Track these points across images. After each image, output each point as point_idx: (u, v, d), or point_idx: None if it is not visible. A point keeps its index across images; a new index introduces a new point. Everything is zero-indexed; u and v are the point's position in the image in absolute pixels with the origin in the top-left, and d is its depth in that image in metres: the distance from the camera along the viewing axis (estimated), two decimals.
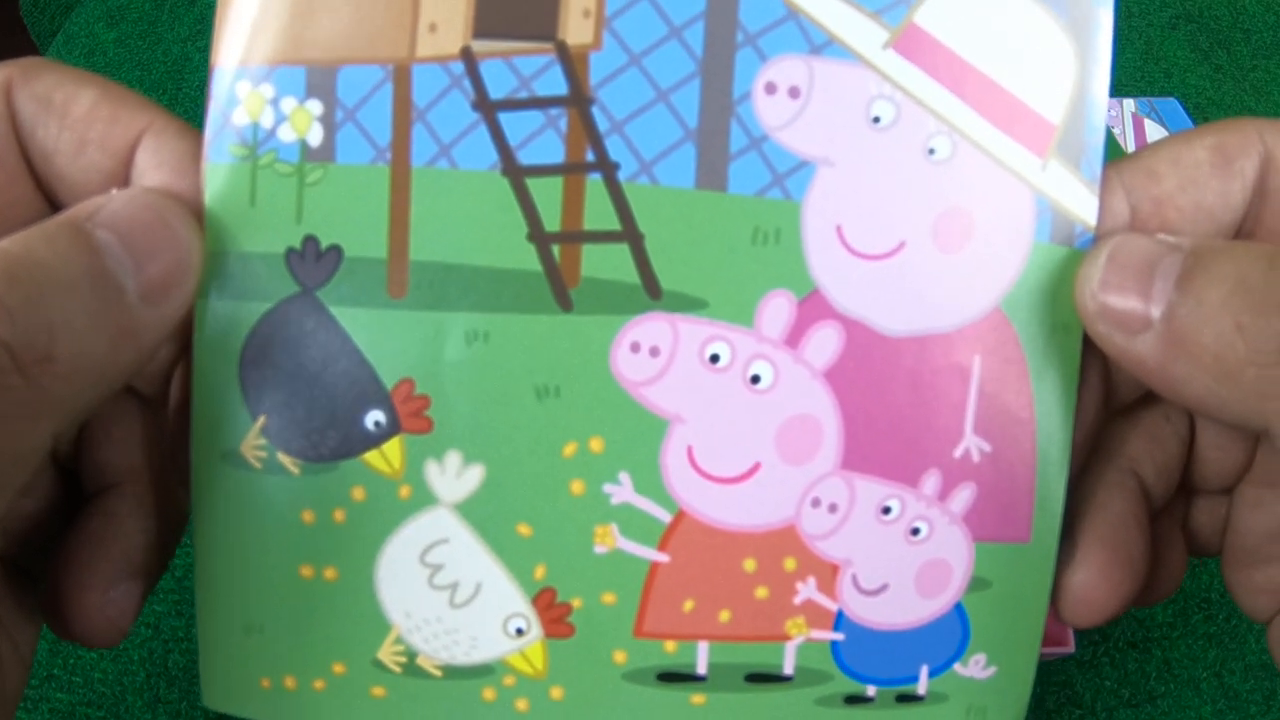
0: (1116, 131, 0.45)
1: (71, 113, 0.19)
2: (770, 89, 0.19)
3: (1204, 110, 0.48)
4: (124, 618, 0.19)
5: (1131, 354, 0.18)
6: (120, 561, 0.19)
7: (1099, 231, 0.20)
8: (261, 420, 0.20)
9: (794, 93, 0.19)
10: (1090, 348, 0.20)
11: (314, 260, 0.20)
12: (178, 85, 0.50)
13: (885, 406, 0.20)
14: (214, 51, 0.20)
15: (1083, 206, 0.20)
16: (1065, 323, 0.20)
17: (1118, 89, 0.49)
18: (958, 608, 0.21)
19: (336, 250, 0.20)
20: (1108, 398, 0.21)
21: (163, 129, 0.20)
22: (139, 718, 0.32)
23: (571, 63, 0.19)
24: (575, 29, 0.19)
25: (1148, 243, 0.18)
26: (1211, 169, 0.19)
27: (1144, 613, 0.33)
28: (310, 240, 0.20)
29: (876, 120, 0.19)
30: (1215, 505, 0.22)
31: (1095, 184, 0.20)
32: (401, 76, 0.19)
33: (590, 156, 0.20)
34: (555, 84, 0.19)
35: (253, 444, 0.20)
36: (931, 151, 0.20)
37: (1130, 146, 0.44)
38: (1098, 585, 0.20)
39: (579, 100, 0.19)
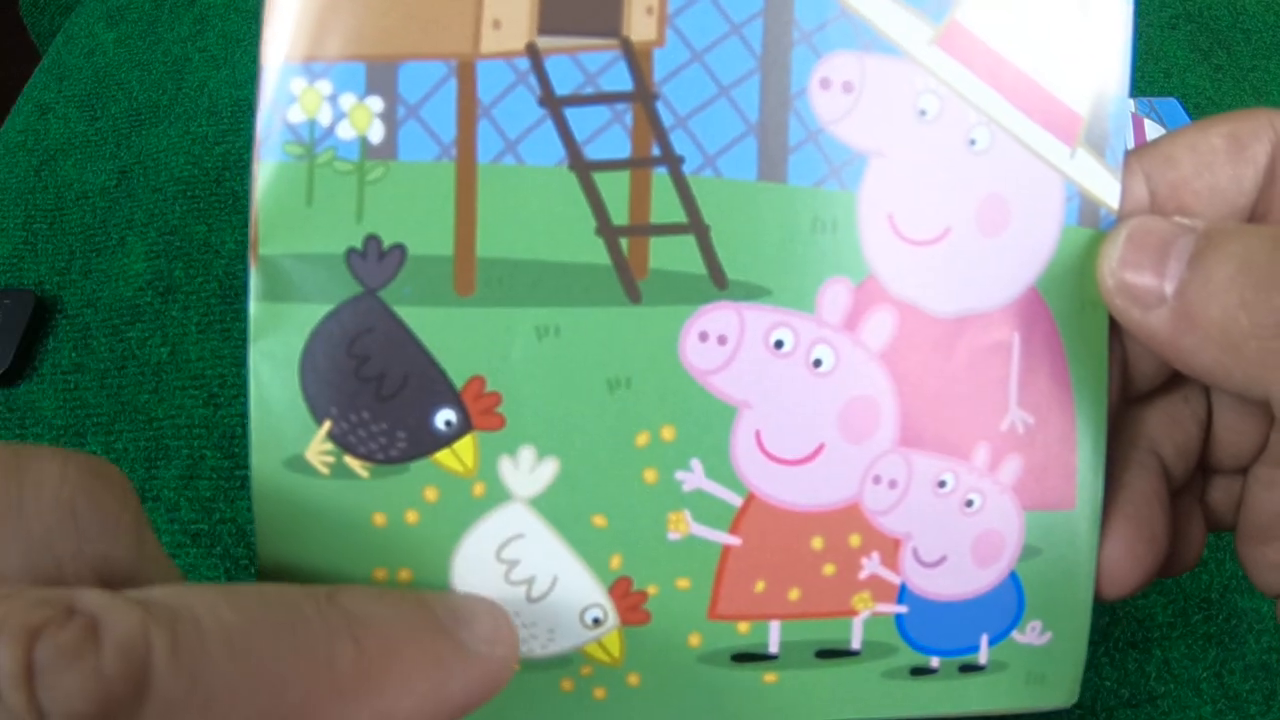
0: None
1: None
2: (825, 84, 0.17)
3: (1204, 110, 0.44)
4: None
5: (1146, 327, 0.17)
6: None
7: (1120, 214, 0.18)
8: (327, 425, 0.16)
9: (847, 87, 0.17)
10: (1109, 339, 0.18)
11: (376, 260, 0.17)
12: (178, 85, 0.44)
13: (936, 384, 0.18)
14: (264, 46, 0.16)
15: (1107, 191, 0.18)
16: (1094, 300, 0.18)
17: (1131, 92, 0.44)
18: (1012, 576, 0.18)
19: (400, 249, 0.16)
20: (1126, 385, 0.19)
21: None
22: None
23: (636, 59, 0.17)
24: (639, 26, 0.17)
25: (1164, 224, 0.17)
26: (1226, 155, 0.18)
27: (1144, 613, 0.30)
28: (372, 239, 0.16)
29: (923, 113, 0.17)
30: (1231, 484, 0.20)
31: (1118, 170, 0.18)
32: (466, 72, 0.16)
33: (656, 151, 0.17)
34: (620, 80, 0.17)
35: (319, 450, 0.17)
36: (973, 142, 0.17)
37: (1130, 146, 0.40)
38: (1123, 559, 0.18)
39: (644, 95, 0.17)
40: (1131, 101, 0.43)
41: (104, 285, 0.38)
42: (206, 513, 0.33)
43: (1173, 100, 0.43)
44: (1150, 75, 0.46)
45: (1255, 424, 0.19)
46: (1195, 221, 0.17)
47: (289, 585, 0.12)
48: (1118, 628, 0.30)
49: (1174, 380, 0.19)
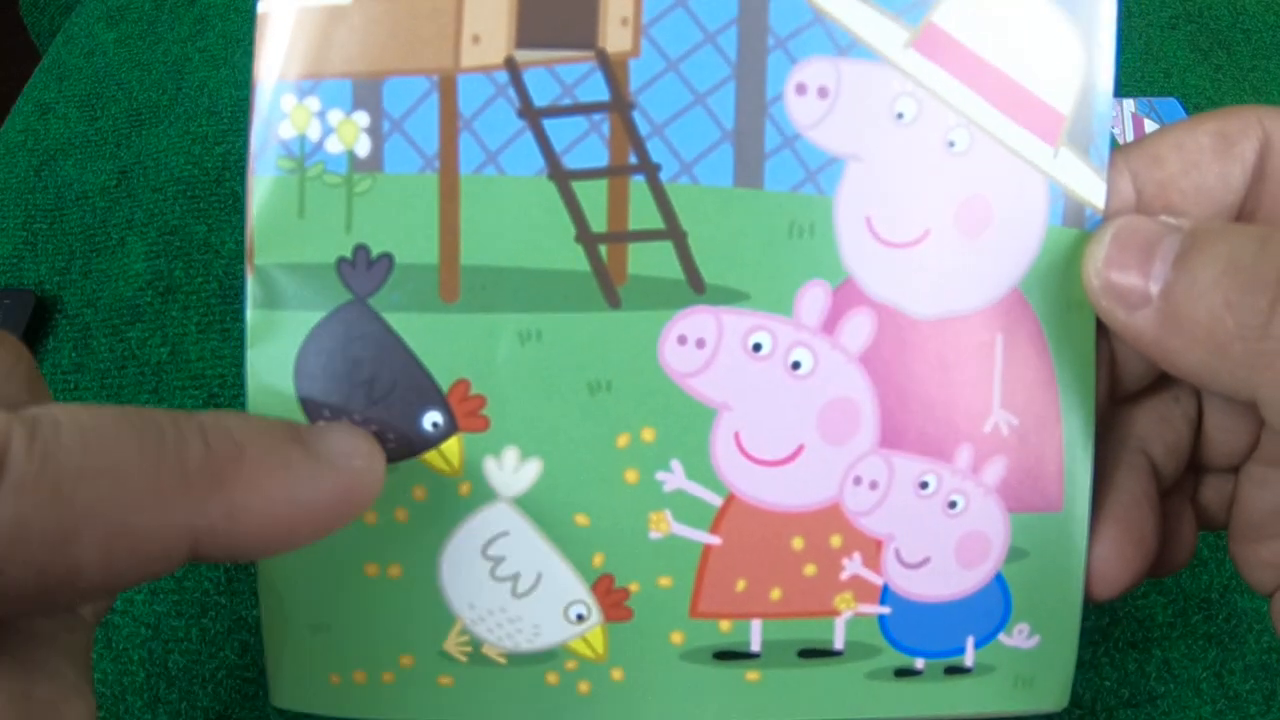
0: (1116, 131, 0.42)
1: None
2: (801, 90, 0.18)
3: (1203, 110, 0.43)
4: None
5: (1131, 328, 0.17)
6: None
7: (1106, 213, 0.19)
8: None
9: (823, 93, 0.18)
10: (1097, 339, 0.19)
11: (365, 268, 0.18)
12: (178, 85, 0.46)
13: (917, 386, 0.19)
14: (256, 65, 0.18)
15: (1092, 191, 0.19)
16: (1079, 300, 0.19)
17: (1118, 89, 0.44)
18: (998, 578, 0.20)
19: (387, 258, 0.18)
20: (1115, 385, 0.20)
21: None
22: (139, 718, 0.29)
23: (612, 69, 0.18)
24: (614, 37, 0.18)
25: (1149, 223, 0.18)
26: (1213, 153, 0.18)
27: (1144, 613, 0.31)
28: (361, 249, 0.18)
29: (900, 116, 0.18)
30: (1223, 483, 0.21)
31: (1103, 169, 0.19)
32: (447, 86, 0.18)
33: (633, 159, 0.18)
34: (597, 90, 0.18)
35: None
36: (951, 144, 0.19)
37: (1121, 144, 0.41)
38: (1112, 560, 0.19)
39: (620, 105, 0.18)
40: (1131, 101, 0.44)
41: (104, 285, 0.40)
42: None
43: (1173, 100, 0.44)
44: (1150, 75, 0.47)
45: (1246, 423, 0.20)
46: (1181, 221, 0.18)
47: (154, 409, 0.14)
48: (1118, 628, 0.31)
49: (1163, 380, 0.20)
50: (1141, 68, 0.48)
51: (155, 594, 0.32)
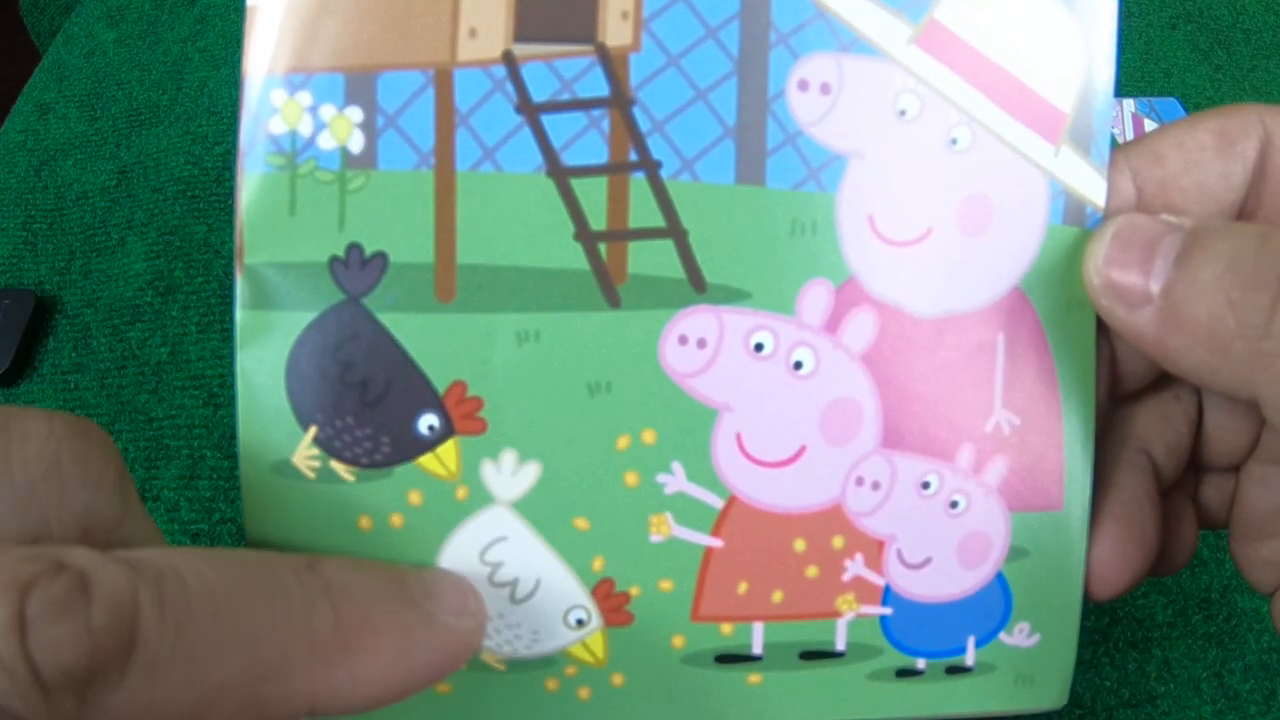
0: (1116, 131, 0.42)
1: None
2: (803, 86, 0.18)
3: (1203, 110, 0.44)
4: None
5: (1132, 327, 0.17)
6: None
7: (1107, 212, 0.18)
8: (313, 430, 0.18)
9: (825, 89, 0.18)
10: (1097, 338, 0.19)
11: (359, 267, 0.18)
12: (178, 85, 0.46)
13: (919, 385, 0.19)
14: (245, 59, 0.17)
15: (1093, 189, 0.18)
16: (1080, 299, 0.19)
17: (1118, 89, 0.44)
18: (999, 577, 0.19)
19: (381, 257, 0.17)
20: (1115, 384, 0.20)
21: None
22: None
23: (612, 64, 0.17)
24: (614, 31, 0.17)
25: (1150, 222, 0.17)
26: (1214, 151, 0.18)
27: (1144, 613, 0.31)
28: (354, 247, 0.17)
29: (903, 113, 0.18)
30: (1224, 482, 0.20)
31: (1104, 168, 0.18)
32: (443, 81, 0.17)
33: (633, 156, 0.18)
34: (597, 85, 0.17)
35: (305, 454, 0.18)
36: (954, 141, 0.18)
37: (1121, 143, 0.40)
38: (1113, 560, 0.19)
39: (620, 101, 0.18)
40: (1131, 101, 0.44)
41: (104, 285, 0.40)
42: (206, 513, 0.34)
43: (1173, 100, 0.44)
44: (1150, 75, 0.47)
45: (1247, 422, 0.19)
46: (1182, 219, 0.17)
47: (270, 553, 0.13)
48: (1118, 628, 0.31)
49: (1164, 379, 0.20)
50: (1141, 68, 0.47)
51: None
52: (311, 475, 0.18)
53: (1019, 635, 0.19)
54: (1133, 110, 0.43)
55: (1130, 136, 0.41)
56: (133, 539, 0.14)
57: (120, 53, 0.48)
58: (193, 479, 0.35)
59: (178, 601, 0.12)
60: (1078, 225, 0.18)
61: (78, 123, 0.45)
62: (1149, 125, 0.42)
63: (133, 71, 0.47)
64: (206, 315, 0.39)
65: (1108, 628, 0.31)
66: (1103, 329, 0.19)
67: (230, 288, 0.39)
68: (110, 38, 0.49)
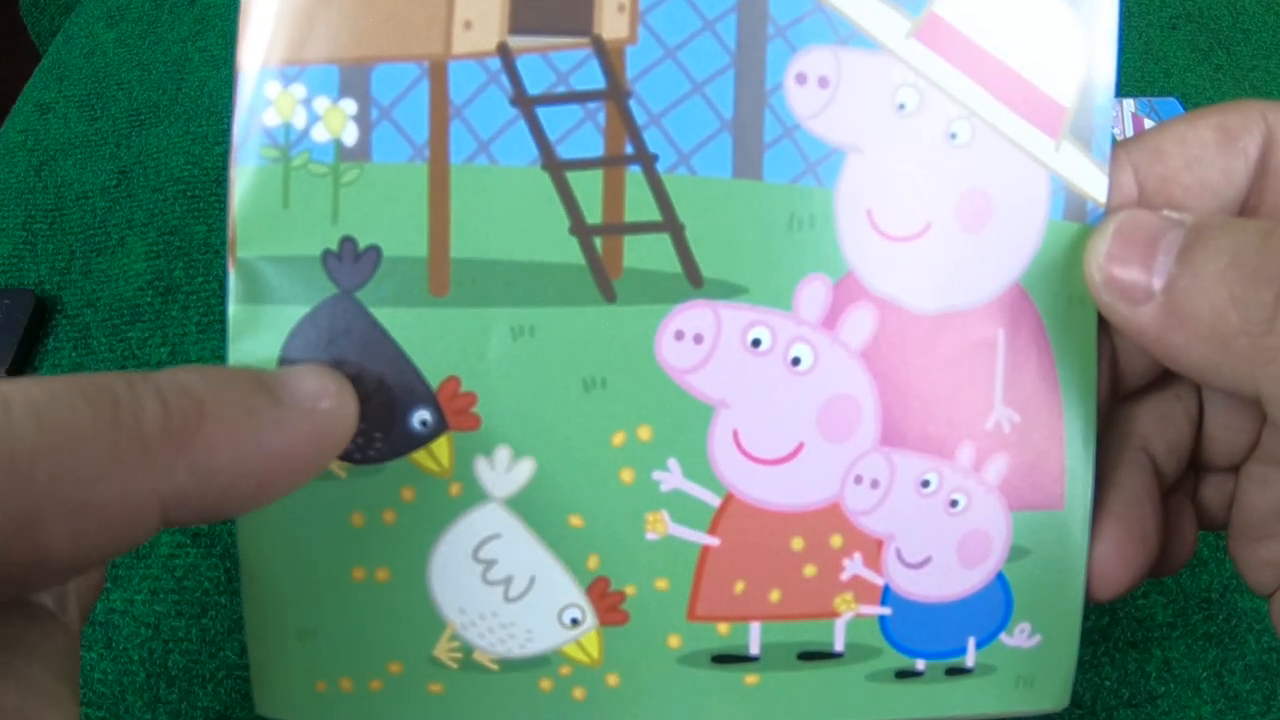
0: (1116, 131, 0.41)
1: None
2: (801, 79, 0.17)
3: None
4: None
5: (1134, 323, 0.17)
6: None
7: (1108, 207, 0.18)
8: None
9: (823, 82, 0.17)
10: (1098, 335, 0.18)
11: (352, 261, 0.17)
12: (178, 85, 0.45)
13: (919, 382, 0.18)
14: (239, 52, 0.17)
15: (1094, 184, 0.18)
16: (1081, 295, 0.18)
17: (1118, 89, 0.43)
18: (999, 577, 0.19)
19: (375, 250, 0.17)
20: (1116, 382, 0.19)
21: None
22: (139, 718, 0.28)
23: (608, 57, 0.17)
24: (610, 23, 0.17)
25: (1152, 218, 0.17)
26: (1216, 147, 0.18)
27: (1144, 613, 0.30)
28: (348, 241, 0.17)
29: (901, 107, 0.17)
30: (1224, 482, 0.20)
31: (1105, 163, 0.18)
32: (438, 73, 0.17)
33: (629, 149, 0.17)
34: (593, 78, 0.17)
35: None
36: (953, 136, 0.18)
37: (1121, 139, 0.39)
38: (1114, 559, 0.18)
39: (617, 94, 0.17)
40: (1131, 101, 0.43)
41: (104, 285, 0.39)
42: None
43: (1172, 100, 0.43)
44: (1150, 75, 0.46)
45: (1247, 421, 0.19)
46: (1184, 215, 0.17)
47: (109, 374, 0.13)
48: (1118, 628, 0.30)
49: (1165, 377, 0.19)
50: (1141, 68, 0.47)
51: (155, 594, 0.31)
52: None
53: (1020, 636, 0.19)
54: (1133, 110, 0.42)
55: (1130, 136, 0.41)
56: None
57: (120, 53, 0.47)
58: None
59: None
60: (1078, 221, 0.18)
61: (78, 123, 0.45)
62: (1149, 125, 0.41)
63: (133, 71, 0.46)
64: (206, 315, 0.39)
65: (1108, 628, 0.30)
66: (1103, 326, 0.18)
67: None
68: (110, 38, 0.48)
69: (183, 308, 0.39)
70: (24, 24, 0.57)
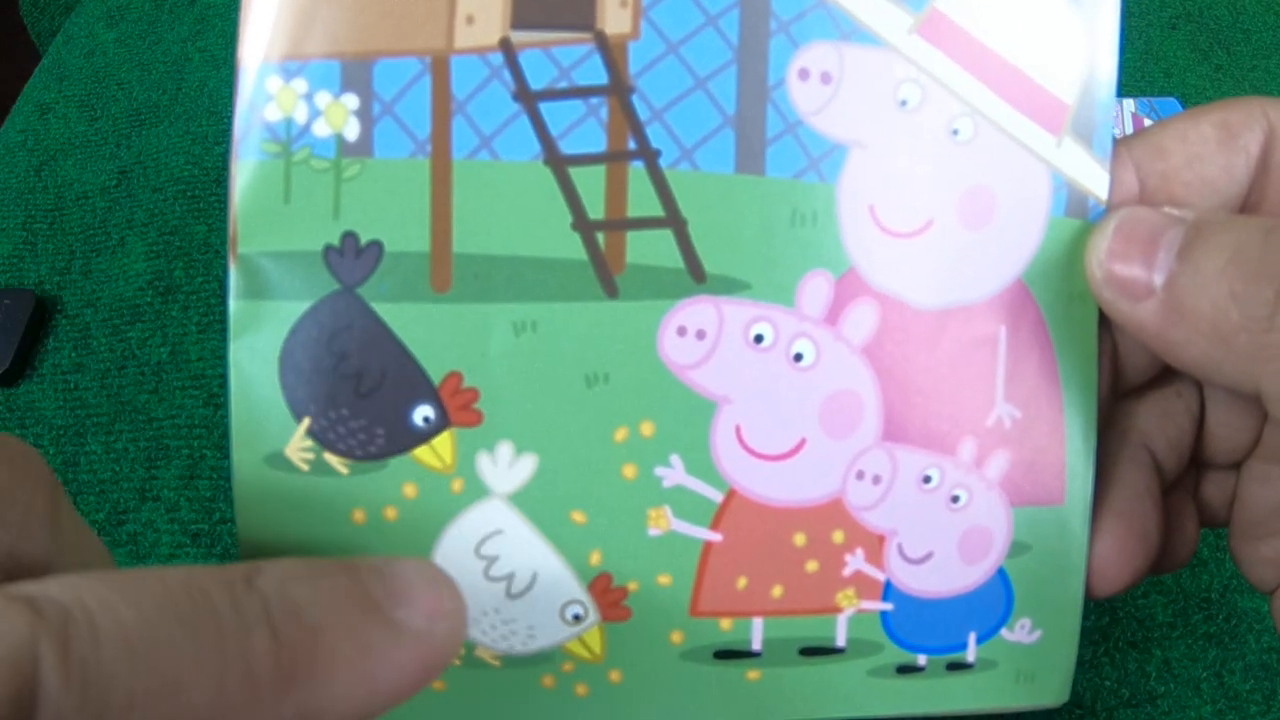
0: (1116, 131, 0.41)
1: None
2: (803, 75, 0.17)
3: None
4: None
5: (1135, 320, 0.17)
6: None
7: (1110, 204, 0.18)
8: (306, 422, 0.17)
9: (826, 78, 0.17)
10: (1099, 332, 0.18)
11: (354, 257, 0.17)
12: (178, 85, 0.45)
13: (920, 378, 0.18)
14: (240, 46, 0.17)
15: (1095, 181, 0.18)
16: (1082, 292, 0.18)
17: (1118, 89, 0.44)
18: (1000, 573, 0.19)
19: (377, 246, 0.17)
20: (1117, 379, 0.19)
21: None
22: None
23: (611, 52, 0.17)
24: (613, 18, 0.17)
25: (1153, 215, 0.17)
26: (1217, 144, 0.18)
27: (1144, 613, 0.30)
28: (349, 236, 0.17)
29: (904, 103, 0.17)
30: (1225, 479, 0.20)
31: (1107, 160, 0.18)
32: (440, 68, 0.17)
33: (632, 144, 0.17)
34: (595, 73, 0.17)
35: (299, 446, 0.17)
36: (955, 132, 0.18)
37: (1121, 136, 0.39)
38: (1114, 556, 0.18)
39: (619, 89, 0.17)
40: (1131, 101, 0.43)
41: (104, 285, 0.39)
42: (206, 513, 0.33)
43: (1172, 100, 0.43)
44: (1150, 75, 0.47)
45: (1248, 418, 0.19)
46: (1185, 212, 0.17)
47: (200, 569, 0.11)
48: (1118, 628, 0.30)
49: (1166, 374, 0.19)
50: (1141, 68, 0.47)
51: None
52: (305, 468, 0.17)
53: (1020, 631, 0.19)
54: (1133, 110, 0.42)
55: (1126, 126, 0.41)
56: (69, 568, 0.12)
57: (120, 53, 0.47)
58: (193, 479, 0.34)
59: (85, 650, 0.10)
60: (1080, 218, 0.18)
61: (78, 123, 0.45)
62: (1149, 125, 0.41)
63: (133, 71, 0.46)
64: (206, 315, 0.39)
65: (1108, 627, 0.30)
66: (1104, 323, 0.18)
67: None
68: (110, 38, 0.48)
69: (183, 308, 0.39)
70: (24, 24, 0.57)
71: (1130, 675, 0.29)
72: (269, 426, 0.17)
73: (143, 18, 0.49)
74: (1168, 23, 0.49)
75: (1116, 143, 0.18)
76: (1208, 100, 0.45)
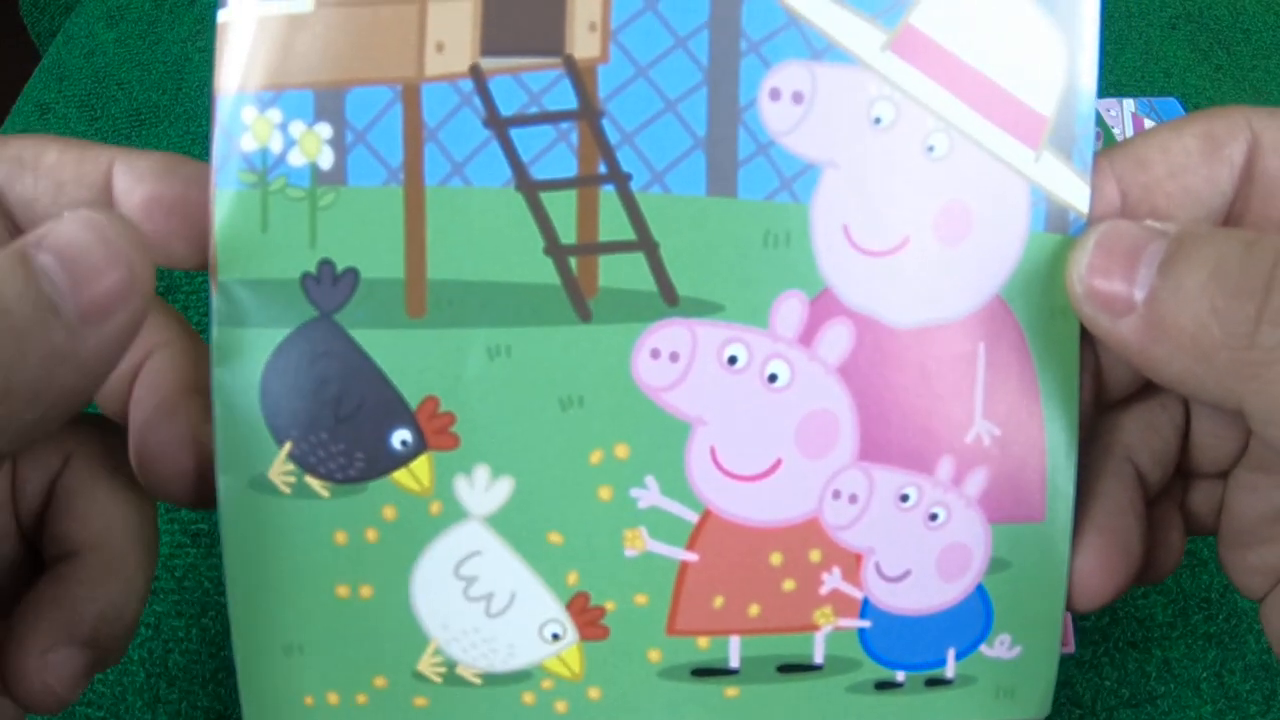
0: (1116, 132, 0.41)
1: (42, 164, 0.18)
2: (775, 95, 0.17)
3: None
4: (62, 684, 0.16)
5: (1116, 335, 0.17)
6: (63, 627, 0.17)
7: (1091, 218, 0.18)
8: (288, 446, 0.17)
9: (798, 98, 0.17)
10: (1081, 347, 0.18)
11: (330, 284, 0.17)
12: (178, 85, 0.46)
13: (897, 397, 0.18)
14: (216, 77, 0.17)
15: (1075, 195, 0.18)
16: (1063, 307, 0.18)
17: (1118, 89, 0.44)
18: (979, 589, 0.19)
19: (353, 273, 0.17)
20: (1100, 393, 0.19)
21: (131, 154, 0.18)
22: (139, 718, 0.29)
23: (580, 76, 0.17)
24: (582, 43, 0.17)
25: (1134, 228, 0.17)
26: (1200, 156, 0.17)
27: (1144, 613, 0.30)
28: (326, 264, 0.17)
29: (878, 121, 0.18)
30: (1211, 488, 0.20)
31: (1087, 173, 0.18)
32: (411, 96, 0.17)
33: (603, 168, 0.17)
34: (565, 98, 0.17)
35: (281, 470, 0.18)
36: (930, 149, 0.18)
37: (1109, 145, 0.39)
38: (1096, 571, 0.19)
39: (589, 113, 0.17)
40: (1131, 101, 0.43)
41: None
42: (206, 513, 0.34)
43: (1173, 100, 0.43)
44: (1150, 75, 0.46)
45: (1234, 429, 0.19)
46: (1167, 225, 0.17)
47: None
48: (1118, 628, 0.30)
49: (1150, 386, 0.19)
50: (1141, 68, 0.46)
51: (155, 594, 0.31)
52: (287, 490, 0.18)
53: (1000, 647, 0.19)
54: (1133, 110, 0.42)
55: (1130, 136, 0.41)
56: None
57: (120, 53, 0.47)
58: None
59: None
60: (1060, 232, 0.18)
61: (78, 123, 0.45)
62: (1149, 125, 0.41)
63: (133, 71, 0.47)
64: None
65: (1108, 627, 0.30)
66: (1087, 337, 0.18)
67: None
68: (110, 38, 0.48)
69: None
70: (24, 24, 0.57)
71: (1130, 675, 0.29)
72: (252, 450, 0.17)
73: (143, 18, 0.49)
74: (1168, 23, 0.49)
75: (1098, 155, 0.18)
76: (1208, 100, 0.45)
